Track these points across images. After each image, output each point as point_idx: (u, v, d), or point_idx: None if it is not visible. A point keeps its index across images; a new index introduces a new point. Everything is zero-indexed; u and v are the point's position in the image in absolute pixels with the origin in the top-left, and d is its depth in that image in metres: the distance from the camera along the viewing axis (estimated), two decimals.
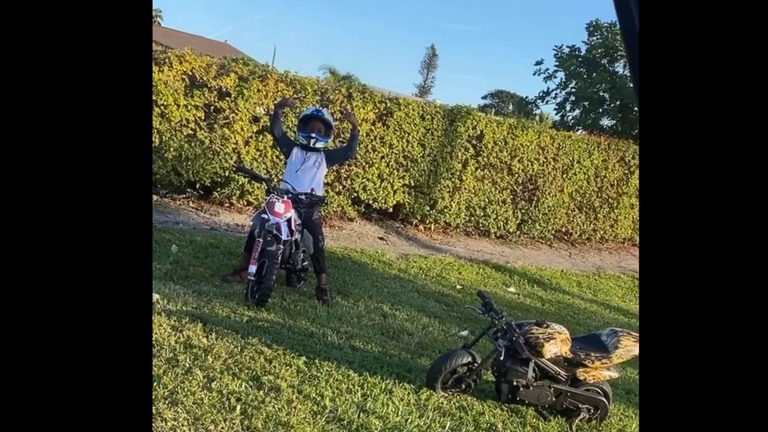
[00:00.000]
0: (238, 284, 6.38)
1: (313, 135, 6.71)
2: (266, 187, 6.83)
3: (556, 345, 4.72)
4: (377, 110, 10.44)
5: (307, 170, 6.67)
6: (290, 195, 6.45)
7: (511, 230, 12.40)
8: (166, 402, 3.78)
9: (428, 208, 11.40)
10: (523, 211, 12.42)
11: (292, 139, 7.31)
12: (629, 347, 4.74)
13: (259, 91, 9.26)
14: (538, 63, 23.99)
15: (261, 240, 6.12)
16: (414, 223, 11.54)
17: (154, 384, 3.93)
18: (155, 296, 5.43)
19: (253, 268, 6.00)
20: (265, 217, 6.23)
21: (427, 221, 11.55)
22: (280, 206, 6.25)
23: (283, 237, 6.20)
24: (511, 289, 9.42)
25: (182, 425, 3.61)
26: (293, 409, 4.05)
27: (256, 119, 9.42)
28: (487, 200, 11.91)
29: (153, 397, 3.78)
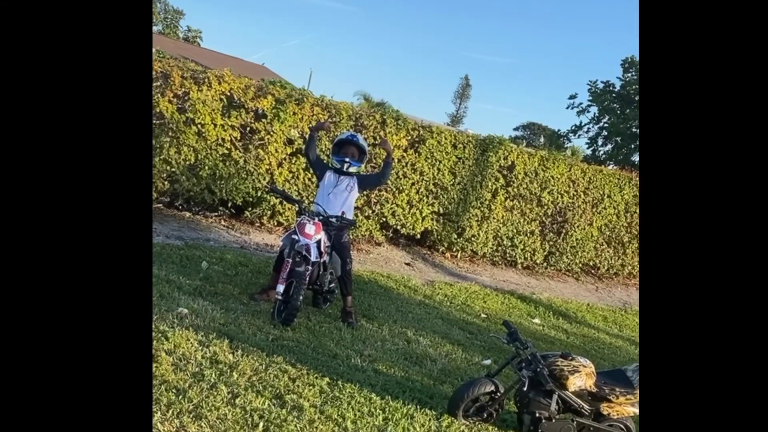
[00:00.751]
0: (265, 303, 6.44)
1: (347, 159, 6.79)
2: (297, 209, 6.89)
3: (581, 378, 4.71)
4: (410, 137, 10.52)
5: (338, 194, 6.76)
6: (321, 217, 6.53)
7: (538, 261, 12.35)
8: (191, 416, 3.83)
9: (456, 236, 11.41)
10: (551, 243, 12.37)
11: (326, 162, 7.37)
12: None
13: (294, 114, 9.39)
14: (572, 97, 24.02)
15: (290, 260, 6.19)
16: (441, 250, 11.56)
17: (179, 397, 3.99)
18: (184, 311, 5.51)
19: (281, 288, 6.06)
20: (296, 238, 6.31)
21: (454, 249, 11.56)
22: (310, 228, 6.33)
23: (312, 258, 6.26)
24: (536, 321, 9.37)
25: None
26: (315, 429, 4.09)
27: (290, 141, 9.54)
28: (515, 230, 11.89)
29: (179, 410, 3.84)
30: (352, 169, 6.84)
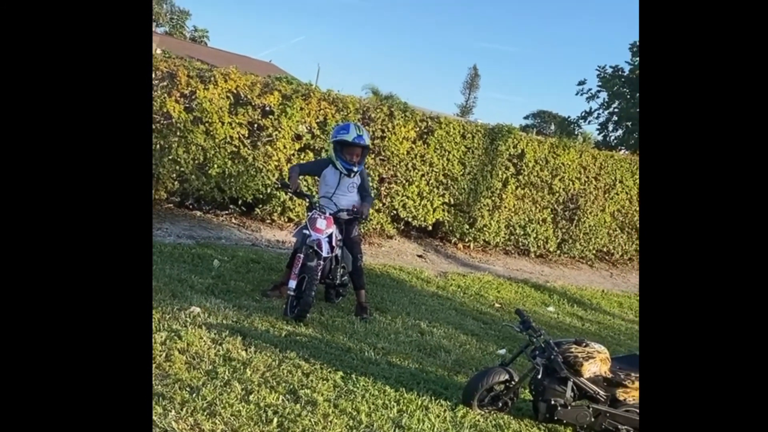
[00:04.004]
0: (278, 299, 6.45)
1: (355, 169, 6.67)
2: (308, 204, 6.82)
3: (596, 364, 4.68)
4: (418, 129, 10.50)
5: (341, 194, 6.71)
6: (332, 211, 6.51)
7: (551, 249, 12.30)
8: (205, 413, 3.84)
9: (467, 227, 11.38)
10: (564, 230, 12.32)
11: (321, 159, 7.18)
12: None
13: (302, 109, 9.39)
14: (581, 83, 23.88)
15: (302, 255, 6.18)
16: (453, 241, 11.53)
17: (193, 395, 3.99)
18: (197, 309, 5.52)
19: (293, 284, 6.06)
20: (307, 232, 6.30)
21: (467, 239, 11.53)
22: (321, 222, 6.31)
23: (324, 253, 6.26)
24: (550, 309, 9.34)
25: None
26: (329, 423, 4.08)
27: (298, 137, 9.54)
28: (527, 219, 11.84)
29: (193, 408, 3.84)
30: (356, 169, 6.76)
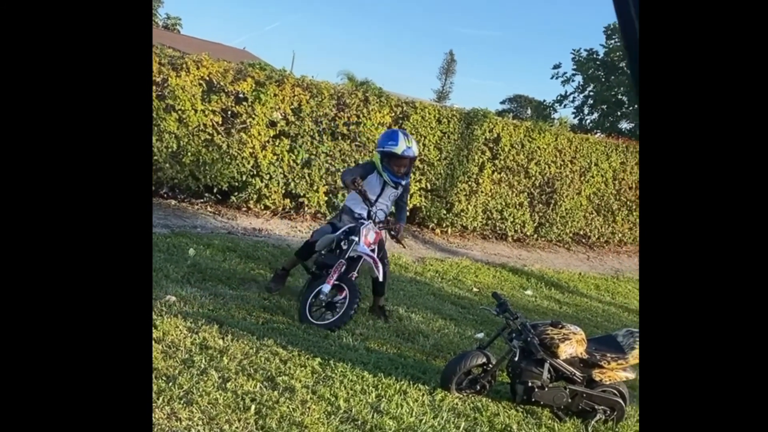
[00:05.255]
0: (280, 296, 6.31)
1: (403, 183, 6.34)
2: (366, 212, 6.28)
3: (572, 346, 4.71)
4: (393, 114, 10.46)
5: (382, 204, 6.37)
6: (381, 225, 6.25)
7: (528, 233, 12.35)
8: (182, 402, 3.81)
9: (445, 212, 11.39)
10: (541, 214, 12.37)
11: (368, 164, 6.49)
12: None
13: (275, 95, 9.31)
14: (556, 66, 23.93)
15: (344, 263, 5.93)
16: (431, 226, 11.54)
17: (170, 384, 3.96)
18: (172, 298, 5.47)
19: (327, 288, 5.82)
20: (354, 239, 6.01)
21: (444, 225, 11.54)
22: (372, 236, 6.10)
23: (377, 272, 6.07)
24: (528, 292, 9.39)
25: (197, 425, 3.63)
26: (307, 410, 4.07)
27: (272, 124, 9.47)
28: (504, 203, 11.88)
29: (169, 397, 3.81)
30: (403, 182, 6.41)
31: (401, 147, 6.15)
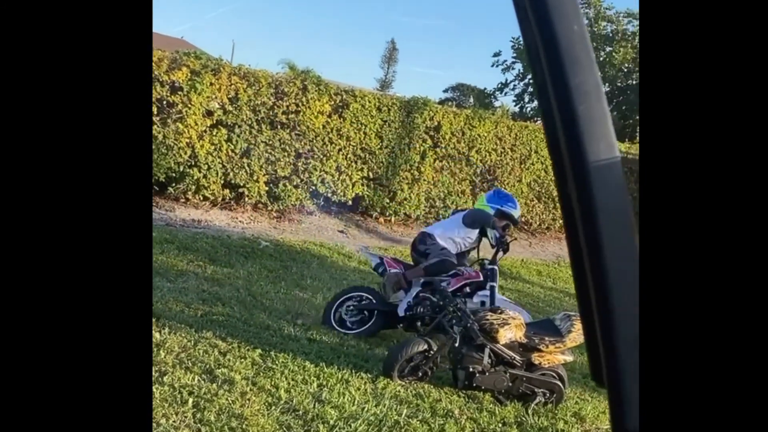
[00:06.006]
0: (220, 287, 6.25)
1: (506, 239, 5.89)
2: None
3: (511, 330, 4.74)
4: (333, 103, 10.38)
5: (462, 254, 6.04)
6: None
7: None
8: None
9: (388, 200, 11.38)
10: None
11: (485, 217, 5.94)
12: (583, 331, 4.77)
13: (212, 84, 9.15)
14: (496, 55, 24.15)
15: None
16: (374, 215, 11.51)
17: None
18: None
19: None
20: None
21: (387, 213, 11.53)
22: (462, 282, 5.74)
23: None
24: None
25: None
26: (247, 401, 4.00)
27: (209, 113, 9.30)
28: (446, 191, 11.92)
29: None
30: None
31: (518, 213, 6.13)
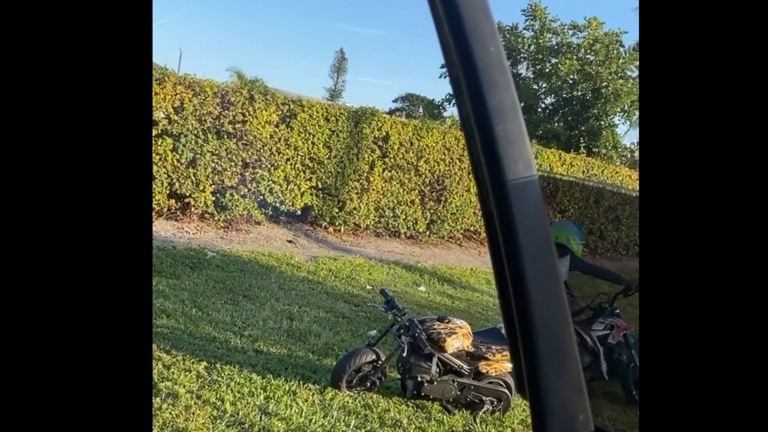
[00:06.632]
0: (165, 299, 6.15)
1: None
2: None
3: (458, 339, 4.77)
4: (280, 112, 10.34)
5: None
6: None
7: (420, 230, 12.49)
8: None
9: (337, 210, 11.37)
10: (432, 211, 12.54)
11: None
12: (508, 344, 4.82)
13: (156, 94, 9.02)
14: (443, 66, 24.32)
15: None
16: (323, 225, 11.48)
17: None
18: None
19: None
20: None
21: (337, 223, 11.51)
22: None
23: None
24: (422, 288, 9.49)
25: None
26: (191, 415, 3.95)
27: (154, 122, 9.17)
28: (395, 201, 11.96)
29: None
30: None
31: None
